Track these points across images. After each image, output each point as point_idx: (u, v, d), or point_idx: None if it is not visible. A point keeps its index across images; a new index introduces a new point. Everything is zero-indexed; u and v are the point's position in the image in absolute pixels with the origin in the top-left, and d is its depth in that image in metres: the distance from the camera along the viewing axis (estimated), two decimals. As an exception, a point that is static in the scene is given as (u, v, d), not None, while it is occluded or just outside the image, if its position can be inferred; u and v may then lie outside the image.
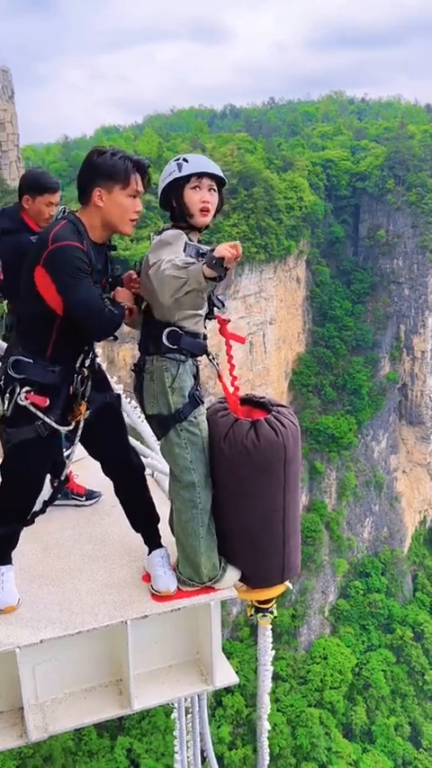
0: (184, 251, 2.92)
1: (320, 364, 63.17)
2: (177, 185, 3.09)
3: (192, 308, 2.98)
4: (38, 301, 2.95)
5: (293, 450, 3.10)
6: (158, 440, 3.18)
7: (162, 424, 3.12)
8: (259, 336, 56.56)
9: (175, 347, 3.05)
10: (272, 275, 57.53)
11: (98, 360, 3.31)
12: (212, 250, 2.60)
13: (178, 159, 3.12)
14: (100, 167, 2.94)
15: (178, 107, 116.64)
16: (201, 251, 2.86)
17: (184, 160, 3.10)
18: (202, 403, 3.16)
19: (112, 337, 3.06)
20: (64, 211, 3.03)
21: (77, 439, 3.18)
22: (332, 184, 66.81)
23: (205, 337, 3.20)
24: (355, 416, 61.58)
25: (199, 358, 3.20)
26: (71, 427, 3.13)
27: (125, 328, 3.31)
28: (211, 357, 3.22)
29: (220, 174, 3.14)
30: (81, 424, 3.13)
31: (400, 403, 66.79)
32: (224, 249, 2.54)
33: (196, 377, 3.16)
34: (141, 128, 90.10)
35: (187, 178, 3.07)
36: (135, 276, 3.17)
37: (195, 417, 3.12)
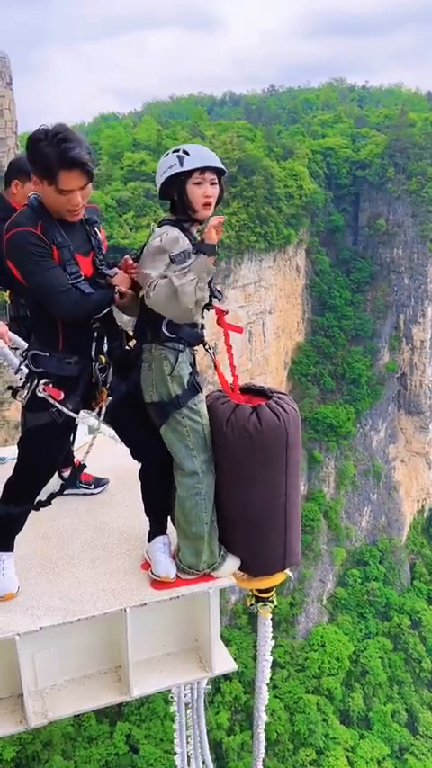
0: (174, 262, 2.93)
1: (320, 354, 63.10)
2: (179, 179, 3.04)
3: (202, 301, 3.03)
4: (29, 293, 2.97)
5: (294, 434, 3.13)
6: (158, 427, 3.19)
7: (162, 412, 3.13)
8: (258, 326, 56.43)
9: (174, 336, 3.06)
10: (271, 264, 57.29)
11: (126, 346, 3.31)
12: (203, 241, 2.89)
13: (177, 151, 3.06)
14: (31, 157, 2.87)
15: (177, 94, 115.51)
16: (193, 251, 2.91)
17: (185, 152, 3.03)
18: (201, 390, 3.18)
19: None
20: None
21: (100, 423, 3.23)
22: (332, 173, 66.37)
23: (203, 327, 3.21)
24: (354, 406, 61.58)
25: (196, 347, 3.22)
26: (94, 413, 3.18)
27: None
28: (207, 347, 3.24)
29: (221, 166, 3.10)
30: (104, 410, 3.17)
31: (399, 392, 66.78)
32: (214, 233, 2.92)
33: (193, 365, 3.18)
34: (140, 115, 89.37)
35: (189, 173, 3.02)
36: (131, 262, 3.16)
37: (196, 404, 3.14)
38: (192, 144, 3.14)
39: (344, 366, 62.87)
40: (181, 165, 3.02)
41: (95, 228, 3.17)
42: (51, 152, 2.78)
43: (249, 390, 3.34)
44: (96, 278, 3.06)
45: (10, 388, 3.25)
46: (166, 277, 2.92)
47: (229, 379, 3.25)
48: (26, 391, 3.08)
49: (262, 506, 3.16)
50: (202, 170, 3.03)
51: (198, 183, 3.04)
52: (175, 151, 3.07)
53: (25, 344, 3.75)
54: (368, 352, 64.11)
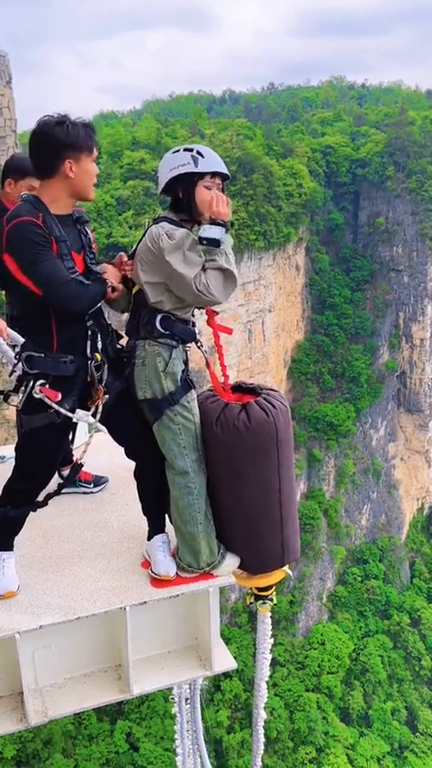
0: (190, 249, 2.97)
1: (319, 352, 63.07)
2: (190, 180, 3.07)
3: None
4: (22, 290, 2.95)
5: (285, 430, 3.13)
6: (152, 424, 3.19)
7: (155, 408, 3.14)
8: (258, 324, 56.40)
9: (168, 332, 3.09)
10: (271, 262, 57.26)
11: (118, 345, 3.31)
12: (214, 221, 2.98)
13: (191, 150, 3.08)
14: (67, 139, 2.93)
15: (176, 93, 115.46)
16: (205, 235, 2.97)
17: (199, 153, 3.06)
18: (194, 387, 3.19)
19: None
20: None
21: (96, 422, 3.22)
22: (332, 171, 66.28)
23: (194, 324, 3.24)
24: (353, 404, 61.57)
25: (189, 345, 3.24)
26: (90, 412, 3.16)
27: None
28: (199, 344, 3.25)
29: (228, 173, 3.16)
30: (100, 409, 3.15)
31: (399, 391, 66.78)
32: (226, 211, 3.02)
33: (186, 362, 3.20)
34: (140, 113, 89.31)
35: (201, 175, 3.05)
36: (126, 259, 3.18)
37: (188, 402, 3.15)
38: (202, 145, 3.17)
39: (343, 364, 62.85)
40: (195, 165, 3.04)
41: (86, 227, 3.18)
42: (83, 129, 2.97)
43: (239, 388, 3.35)
44: (87, 275, 3.07)
45: (2, 392, 3.22)
46: (204, 269, 2.95)
47: (221, 379, 3.27)
48: (21, 394, 3.06)
49: (257, 503, 3.16)
50: (214, 174, 3.08)
51: (208, 187, 3.07)
52: (187, 150, 3.09)
53: None
54: (368, 350, 64.08)
